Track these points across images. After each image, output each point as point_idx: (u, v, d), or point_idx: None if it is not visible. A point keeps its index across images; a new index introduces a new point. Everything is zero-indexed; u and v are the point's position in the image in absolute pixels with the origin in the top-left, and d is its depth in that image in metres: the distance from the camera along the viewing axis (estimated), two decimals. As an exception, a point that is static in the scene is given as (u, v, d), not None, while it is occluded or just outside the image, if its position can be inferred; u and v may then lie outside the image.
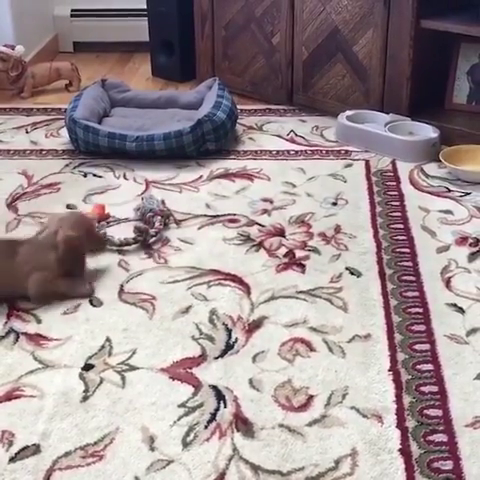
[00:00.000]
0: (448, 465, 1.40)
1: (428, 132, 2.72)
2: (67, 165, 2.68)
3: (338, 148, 2.79)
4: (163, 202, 2.29)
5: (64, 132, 2.86)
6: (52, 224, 1.98)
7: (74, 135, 2.73)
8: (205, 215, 2.32)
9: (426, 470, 1.39)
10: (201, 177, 2.58)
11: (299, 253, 2.10)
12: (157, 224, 2.20)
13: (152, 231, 2.17)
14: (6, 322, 1.83)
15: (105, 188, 2.51)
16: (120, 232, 2.19)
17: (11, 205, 2.40)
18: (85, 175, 2.61)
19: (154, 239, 2.17)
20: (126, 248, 2.13)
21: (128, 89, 3.14)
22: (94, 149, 2.70)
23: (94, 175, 2.60)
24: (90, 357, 1.70)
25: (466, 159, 2.58)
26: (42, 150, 2.82)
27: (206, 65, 3.41)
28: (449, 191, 2.44)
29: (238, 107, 2.95)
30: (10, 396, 1.59)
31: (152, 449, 1.45)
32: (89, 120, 2.73)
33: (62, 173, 2.62)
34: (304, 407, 1.55)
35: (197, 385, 1.61)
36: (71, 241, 1.93)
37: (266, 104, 3.22)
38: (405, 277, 1.98)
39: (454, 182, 2.50)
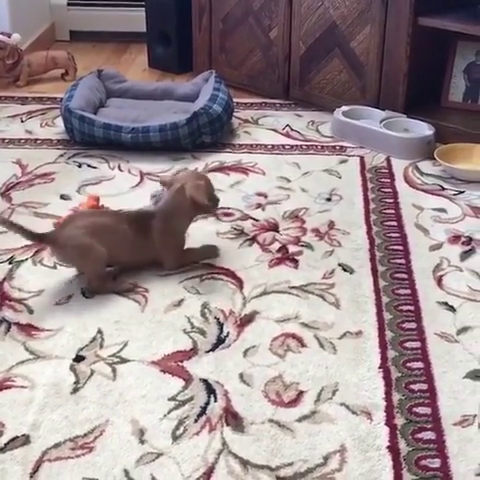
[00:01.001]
0: (436, 463, 1.41)
1: (423, 129, 2.72)
2: (62, 155, 2.68)
3: (333, 144, 2.79)
4: None
5: (59, 122, 2.85)
6: (174, 183, 1.98)
7: (69, 125, 2.72)
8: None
9: (414, 468, 1.40)
10: (196, 170, 2.57)
11: (292, 248, 2.10)
12: None
13: None
14: (-2, 312, 1.83)
15: (99, 179, 2.51)
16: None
17: (5, 194, 2.39)
18: (80, 165, 2.60)
19: None
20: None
21: (124, 80, 3.13)
22: (89, 140, 2.70)
23: (89, 166, 2.60)
24: (81, 349, 1.70)
25: (461, 157, 2.58)
26: (37, 139, 2.81)
27: (203, 57, 3.41)
28: (443, 189, 2.45)
29: (234, 100, 2.95)
30: (0, 386, 1.59)
31: (142, 442, 1.45)
32: (85, 110, 2.73)
33: (57, 163, 2.62)
34: (294, 403, 1.55)
35: (188, 379, 1.61)
36: (203, 187, 1.95)
37: (262, 98, 3.22)
38: (397, 274, 1.98)
39: (448, 180, 2.50)
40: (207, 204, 1.96)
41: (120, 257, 1.95)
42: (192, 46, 3.43)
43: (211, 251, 2.06)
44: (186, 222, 2.01)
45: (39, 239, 1.91)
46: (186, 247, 2.03)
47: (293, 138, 2.84)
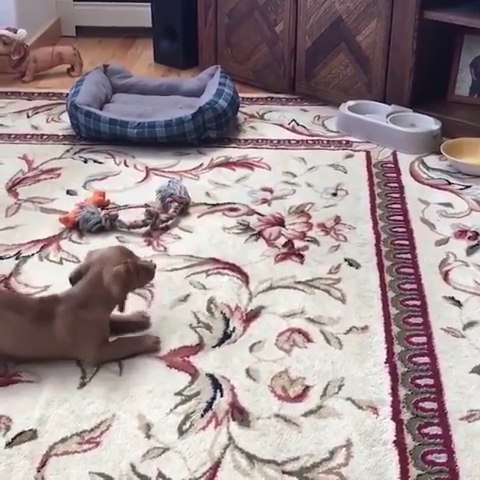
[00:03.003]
0: (442, 458, 1.41)
1: (429, 124, 2.71)
2: (68, 151, 2.68)
3: (339, 138, 2.78)
4: (186, 191, 2.29)
5: (65, 117, 2.85)
6: (91, 267, 1.64)
7: (75, 120, 2.72)
8: (205, 203, 2.32)
9: (420, 462, 1.40)
10: (201, 165, 2.57)
11: (298, 243, 2.10)
12: (171, 210, 2.21)
13: (164, 216, 2.18)
14: (5, 307, 1.83)
15: (105, 174, 2.51)
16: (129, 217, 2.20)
17: (11, 190, 2.40)
18: (86, 161, 2.60)
19: (165, 224, 2.17)
20: (136, 230, 2.15)
21: (130, 75, 3.13)
22: (95, 135, 2.70)
23: (95, 161, 2.60)
24: (88, 344, 1.70)
25: (467, 152, 2.57)
26: (43, 135, 2.82)
27: (209, 52, 3.40)
28: (449, 184, 2.44)
29: (240, 95, 2.94)
30: (8, 381, 1.59)
31: (148, 436, 1.46)
32: (91, 106, 2.73)
33: (63, 158, 2.62)
34: (300, 397, 1.55)
35: (194, 373, 1.62)
36: (123, 275, 1.61)
37: (268, 93, 3.21)
38: (403, 269, 1.98)
39: (454, 175, 2.49)
40: (123, 296, 1.62)
41: (11, 349, 1.62)
42: (198, 41, 3.43)
43: (146, 343, 1.68)
44: (107, 310, 1.65)
45: None
46: (113, 338, 1.69)
47: (299, 133, 2.84)
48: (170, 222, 2.19)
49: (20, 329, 1.60)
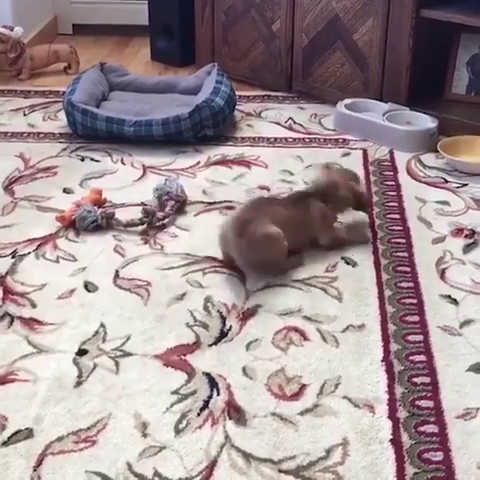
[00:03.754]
0: (438, 456, 1.41)
1: (426, 122, 2.71)
2: (64, 149, 2.68)
3: (336, 136, 2.78)
4: (182, 189, 2.29)
5: (62, 115, 2.85)
6: (327, 176, 2.11)
7: (72, 119, 2.72)
8: (202, 202, 2.32)
9: (416, 461, 1.40)
10: (198, 163, 2.57)
11: (295, 242, 2.10)
12: (168, 208, 2.21)
13: (160, 215, 2.18)
14: (1, 306, 1.83)
15: (102, 173, 2.50)
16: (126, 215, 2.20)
17: (8, 188, 2.39)
18: (82, 159, 2.60)
19: (161, 222, 2.17)
20: (133, 229, 2.15)
21: (127, 73, 3.13)
22: (92, 133, 2.70)
23: (91, 159, 2.60)
24: (84, 342, 1.70)
25: (464, 150, 2.57)
26: (40, 133, 2.81)
27: (205, 50, 3.40)
28: (446, 182, 2.44)
29: (237, 93, 2.94)
30: (4, 380, 1.59)
31: (144, 435, 1.46)
32: (87, 104, 2.73)
33: (59, 157, 2.62)
34: (296, 396, 1.55)
35: (190, 372, 1.62)
36: (353, 188, 2.09)
37: (265, 91, 3.21)
38: (400, 267, 1.98)
39: (451, 173, 2.50)
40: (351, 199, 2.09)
41: (295, 242, 1.99)
42: (195, 39, 3.43)
43: (361, 236, 2.12)
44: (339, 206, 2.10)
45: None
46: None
47: (296, 131, 2.84)
48: (167, 220, 2.18)
49: (298, 222, 2.00)
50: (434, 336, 1.73)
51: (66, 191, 2.37)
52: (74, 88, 2.80)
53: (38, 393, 1.56)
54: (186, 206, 2.28)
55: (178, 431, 1.47)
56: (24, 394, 1.55)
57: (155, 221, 2.16)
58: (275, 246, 1.90)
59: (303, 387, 1.58)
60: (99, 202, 2.27)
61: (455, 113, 2.78)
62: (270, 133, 2.81)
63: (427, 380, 1.60)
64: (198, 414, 1.51)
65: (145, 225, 2.15)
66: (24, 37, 3.43)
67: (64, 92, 2.86)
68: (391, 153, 2.64)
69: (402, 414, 1.51)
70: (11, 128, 2.85)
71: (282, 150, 2.68)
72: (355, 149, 2.68)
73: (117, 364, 1.64)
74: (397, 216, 2.23)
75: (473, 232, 2.14)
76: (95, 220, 2.13)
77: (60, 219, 2.17)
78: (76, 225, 2.15)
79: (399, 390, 1.57)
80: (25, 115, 2.98)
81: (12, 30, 3.33)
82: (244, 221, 1.91)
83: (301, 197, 2.06)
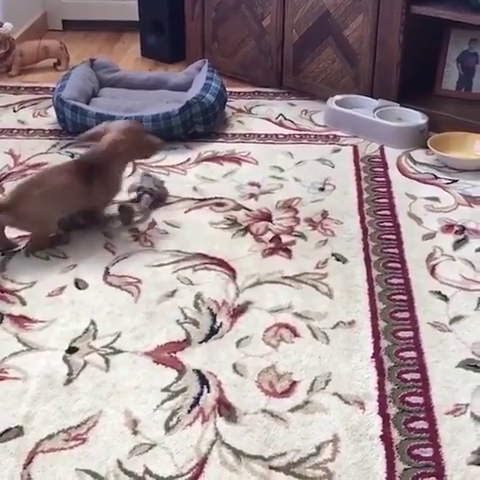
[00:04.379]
0: (428, 452, 1.42)
1: (417, 118, 2.72)
2: (54, 145, 2.67)
3: (327, 133, 2.78)
4: (160, 183, 2.30)
5: (52, 112, 2.84)
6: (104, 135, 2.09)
7: (62, 115, 2.71)
8: (192, 198, 2.31)
9: (406, 457, 1.41)
10: (189, 160, 2.57)
11: (285, 238, 2.10)
12: (143, 203, 2.20)
13: (136, 211, 2.18)
14: (-9, 303, 1.83)
15: (92, 169, 2.49)
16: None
17: (-3, 185, 2.39)
18: (72, 156, 2.59)
19: (138, 218, 2.18)
20: (116, 226, 2.16)
21: (117, 69, 3.12)
22: (82, 130, 2.66)
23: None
24: (74, 340, 1.70)
25: (454, 146, 2.58)
26: (29, 130, 2.80)
27: (196, 46, 3.39)
28: (436, 178, 2.45)
29: (227, 89, 2.94)
30: (-6, 378, 1.59)
31: (135, 433, 1.46)
32: (77, 100, 2.72)
33: (49, 153, 2.61)
34: (287, 393, 1.55)
35: (181, 369, 1.61)
36: (117, 144, 2.05)
37: (255, 87, 3.20)
38: (390, 264, 1.99)
39: (441, 169, 2.50)
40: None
41: (70, 209, 2.08)
42: (185, 35, 3.42)
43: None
44: (116, 170, 2.14)
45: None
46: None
47: (286, 127, 2.84)
48: (142, 216, 2.19)
49: (78, 190, 2.04)
50: (424, 332, 1.73)
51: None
52: (64, 84, 2.79)
53: (28, 391, 1.55)
54: (166, 200, 2.29)
55: (168, 428, 1.47)
56: (14, 392, 1.55)
57: (133, 217, 2.18)
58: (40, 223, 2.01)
59: (294, 384, 1.58)
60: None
61: (445, 109, 2.79)
62: (261, 129, 2.81)
63: (417, 376, 1.60)
64: (188, 411, 1.51)
65: (121, 222, 2.17)
66: (14, 33, 3.42)
67: (54, 88, 2.85)
68: (381, 149, 2.64)
69: (392, 410, 1.51)
70: (1, 125, 2.84)
71: (273, 146, 2.68)
72: (345, 145, 2.68)
73: (107, 361, 1.64)
74: (387, 212, 2.23)
75: (463, 228, 2.15)
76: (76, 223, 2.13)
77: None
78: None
79: (389, 386, 1.57)
80: (15, 111, 2.97)
81: (1, 26, 3.32)
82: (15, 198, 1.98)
83: (84, 167, 2.07)
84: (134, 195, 2.26)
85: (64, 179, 2.02)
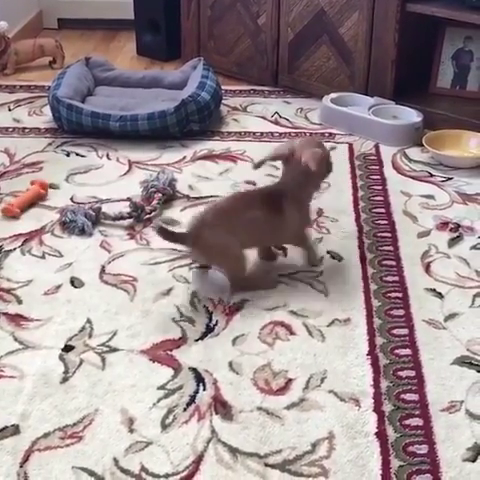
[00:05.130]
0: (423, 449, 1.42)
1: (412, 116, 2.72)
2: (50, 144, 2.67)
3: (322, 131, 2.79)
4: (172, 182, 2.29)
5: (47, 110, 2.84)
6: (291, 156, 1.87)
7: (57, 114, 2.71)
8: (188, 197, 2.32)
9: (401, 454, 1.41)
10: (184, 158, 2.57)
11: (281, 236, 2.10)
12: (155, 202, 2.21)
13: (148, 208, 2.18)
14: (-13, 302, 1.83)
15: (88, 168, 2.50)
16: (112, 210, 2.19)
17: (-7, 184, 2.39)
18: (68, 154, 2.59)
19: (149, 216, 2.17)
20: (120, 222, 2.15)
21: (112, 68, 3.12)
22: (77, 128, 2.69)
23: (77, 154, 2.59)
24: (70, 338, 1.70)
25: (449, 144, 2.59)
26: (25, 128, 2.80)
27: (191, 45, 3.39)
28: (431, 176, 2.45)
29: (223, 88, 2.94)
30: (-10, 377, 1.59)
31: (131, 431, 1.46)
32: (73, 99, 2.72)
33: (45, 152, 2.61)
34: (283, 390, 1.56)
35: (177, 367, 1.62)
36: (320, 160, 1.83)
37: (251, 85, 3.20)
38: (386, 261, 1.99)
39: (436, 167, 2.50)
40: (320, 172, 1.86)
41: (260, 242, 1.92)
42: (180, 33, 3.42)
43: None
44: (310, 194, 1.94)
45: (180, 240, 1.85)
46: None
47: (282, 125, 2.84)
48: (153, 214, 2.18)
49: (263, 222, 1.84)
50: (419, 330, 1.74)
51: (52, 187, 2.36)
52: (59, 83, 2.79)
53: (24, 389, 1.55)
54: (174, 200, 2.28)
55: (165, 426, 1.47)
56: (10, 390, 1.55)
57: (143, 215, 2.16)
58: (228, 257, 1.83)
59: (289, 381, 1.58)
60: (40, 196, 2.27)
61: (440, 107, 2.79)
62: (256, 127, 2.81)
63: (412, 373, 1.61)
64: (184, 409, 1.51)
65: (132, 219, 2.15)
66: (9, 31, 3.41)
67: (49, 87, 2.85)
68: (377, 147, 2.65)
69: (387, 407, 1.52)
70: (-4, 123, 2.84)
71: (268, 145, 2.68)
72: (341, 143, 2.68)
73: (103, 360, 1.64)
74: (382, 210, 2.24)
75: (458, 226, 2.15)
76: (81, 228, 2.11)
77: (5, 211, 2.18)
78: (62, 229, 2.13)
79: (384, 384, 1.58)
80: (10, 110, 2.97)
81: (-4, 24, 3.31)
82: (202, 224, 1.81)
83: (273, 196, 1.87)
84: (145, 193, 2.26)
85: (254, 209, 1.83)
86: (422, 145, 2.58)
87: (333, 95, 2.87)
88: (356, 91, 2.90)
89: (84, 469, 1.38)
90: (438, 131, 2.65)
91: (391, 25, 2.76)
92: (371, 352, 1.66)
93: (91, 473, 1.37)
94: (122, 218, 2.15)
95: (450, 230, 2.14)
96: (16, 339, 1.70)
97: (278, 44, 3.11)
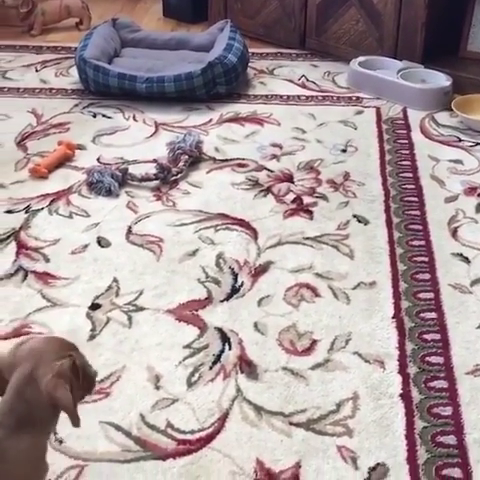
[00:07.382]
0: (447, 411, 1.43)
1: (441, 80, 2.69)
2: (76, 105, 2.67)
3: (349, 94, 2.76)
4: (198, 144, 2.29)
5: (74, 71, 2.84)
6: (15, 368, 1.10)
7: (84, 75, 2.71)
8: (214, 159, 2.31)
9: (426, 415, 1.42)
10: (211, 120, 2.56)
11: (307, 199, 2.10)
12: (181, 163, 2.20)
13: (174, 170, 2.18)
14: (15, 260, 1.84)
15: (114, 129, 2.50)
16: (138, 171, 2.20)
17: (20, 144, 2.40)
18: (94, 115, 2.60)
19: (175, 178, 2.18)
20: (146, 184, 2.15)
21: (139, 29, 3.10)
22: (104, 89, 2.69)
23: (103, 116, 2.59)
24: (97, 297, 1.72)
25: (478, 108, 2.55)
26: (52, 89, 2.80)
27: (218, 6, 3.36)
28: (460, 141, 2.43)
29: (250, 50, 2.91)
30: (18, 333, 1.61)
31: (157, 388, 1.48)
32: (99, 60, 2.71)
33: (71, 113, 2.62)
34: (308, 351, 1.57)
35: (203, 327, 1.63)
36: (68, 373, 1.09)
37: (278, 48, 3.18)
38: (412, 226, 1.98)
39: (465, 132, 2.48)
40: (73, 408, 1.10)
41: None
42: (207, -5, 3.39)
43: None
44: (45, 435, 1.15)
45: None
46: None
47: (309, 89, 2.82)
48: (179, 175, 2.19)
49: None
50: (445, 294, 1.73)
51: (78, 147, 2.37)
52: (86, 44, 2.79)
53: (52, 346, 1.57)
54: (200, 162, 2.27)
55: (190, 384, 1.49)
56: (38, 347, 1.57)
57: (169, 177, 2.16)
58: None
59: (314, 342, 1.59)
60: (68, 157, 2.28)
61: (470, 71, 2.75)
62: (283, 91, 2.80)
63: (437, 337, 1.61)
64: (210, 368, 1.52)
65: (159, 180, 2.16)
66: (35, -8, 3.41)
67: (76, 48, 2.84)
68: (404, 111, 2.62)
69: (412, 370, 1.52)
70: (23, 84, 2.84)
71: (295, 108, 2.66)
72: (368, 107, 2.66)
73: (130, 318, 1.66)
74: (410, 174, 2.22)
75: (486, 191, 2.14)
76: (108, 189, 2.11)
77: (33, 171, 2.19)
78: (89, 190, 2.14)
79: (410, 346, 1.58)
80: (37, 71, 2.97)
81: (23, -15, 3.31)
82: None
83: None
84: (172, 154, 2.26)
85: None
86: (451, 109, 2.55)
87: (361, 58, 2.83)
88: (384, 54, 2.87)
89: (111, 424, 1.40)
90: (467, 95, 2.61)
91: (422, -13, 2.71)
92: (396, 315, 1.67)
93: (118, 428, 1.39)
94: (148, 179, 2.16)
95: (478, 195, 2.12)
96: (44, 296, 1.72)
97: (306, 6, 3.07)
